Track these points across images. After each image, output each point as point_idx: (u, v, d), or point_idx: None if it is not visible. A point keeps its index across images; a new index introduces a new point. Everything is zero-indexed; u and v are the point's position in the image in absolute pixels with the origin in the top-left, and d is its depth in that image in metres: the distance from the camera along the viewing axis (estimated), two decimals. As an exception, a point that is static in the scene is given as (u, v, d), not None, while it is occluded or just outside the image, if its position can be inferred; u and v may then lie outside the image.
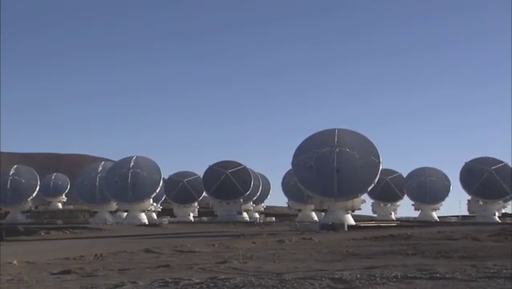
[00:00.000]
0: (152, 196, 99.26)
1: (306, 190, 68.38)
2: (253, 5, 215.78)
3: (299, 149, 69.92)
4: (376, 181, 71.00)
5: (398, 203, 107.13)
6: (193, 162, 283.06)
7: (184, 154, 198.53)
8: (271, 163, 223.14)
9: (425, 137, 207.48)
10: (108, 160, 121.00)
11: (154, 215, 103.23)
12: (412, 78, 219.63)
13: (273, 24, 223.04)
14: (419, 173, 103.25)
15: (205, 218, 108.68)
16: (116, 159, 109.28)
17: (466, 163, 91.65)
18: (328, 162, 68.83)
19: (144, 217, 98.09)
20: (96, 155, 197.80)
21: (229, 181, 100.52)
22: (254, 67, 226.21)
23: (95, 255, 29.81)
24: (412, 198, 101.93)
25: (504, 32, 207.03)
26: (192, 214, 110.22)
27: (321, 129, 72.91)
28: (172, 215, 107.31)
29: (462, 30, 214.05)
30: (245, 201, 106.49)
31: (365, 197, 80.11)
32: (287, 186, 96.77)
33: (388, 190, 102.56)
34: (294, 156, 69.68)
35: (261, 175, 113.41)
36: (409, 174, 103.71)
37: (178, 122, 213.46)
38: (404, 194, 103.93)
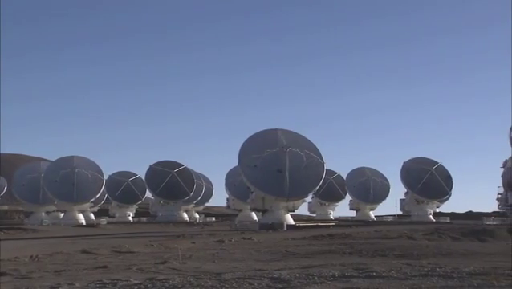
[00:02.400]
0: (97, 196, 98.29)
1: (258, 191, 68.10)
2: (189, 4, 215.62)
3: (244, 149, 69.61)
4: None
5: (340, 202, 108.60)
6: (128, 162, 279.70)
7: (118, 153, 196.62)
8: (208, 163, 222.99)
9: (358, 137, 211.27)
10: (45, 159, 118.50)
11: (92, 215, 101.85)
12: (345, 79, 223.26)
13: (213, 23, 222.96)
14: (359, 173, 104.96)
15: (144, 219, 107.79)
16: (52, 158, 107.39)
17: (405, 163, 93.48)
18: (278, 162, 69.22)
19: (81, 218, 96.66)
20: (31, 154, 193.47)
21: (174, 181, 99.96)
22: (191, 66, 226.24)
23: (31, 257, 29.14)
24: (355, 198, 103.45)
25: (434, 33, 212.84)
26: (131, 215, 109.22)
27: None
28: (109, 215, 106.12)
29: (398, 31, 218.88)
30: (190, 202, 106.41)
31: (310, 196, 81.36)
32: (231, 186, 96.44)
33: (332, 190, 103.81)
34: (240, 156, 69.32)
35: (201, 175, 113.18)
36: (349, 174, 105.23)
37: (112, 122, 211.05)
38: (346, 194, 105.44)
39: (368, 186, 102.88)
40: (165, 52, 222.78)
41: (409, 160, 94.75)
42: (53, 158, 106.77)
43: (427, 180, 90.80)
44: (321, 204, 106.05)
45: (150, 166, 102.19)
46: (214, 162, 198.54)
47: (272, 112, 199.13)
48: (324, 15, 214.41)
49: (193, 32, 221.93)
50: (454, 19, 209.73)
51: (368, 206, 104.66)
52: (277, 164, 69.35)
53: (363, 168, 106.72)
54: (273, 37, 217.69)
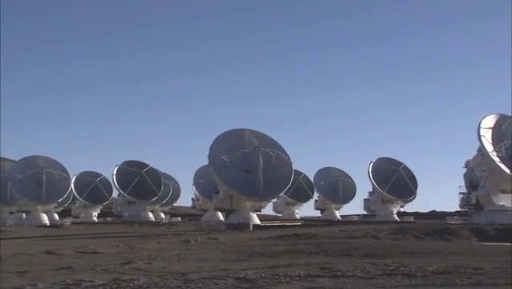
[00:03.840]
0: (64, 196, 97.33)
1: (232, 191, 67.86)
2: (152, 4, 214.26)
3: (214, 149, 69.21)
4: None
5: (308, 202, 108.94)
6: (90, 162, 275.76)
7: (79, 154, 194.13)
8: (171, 163, 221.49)
9: (317, 138, 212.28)
10: (7, 159, 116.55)
11: (56, 216, 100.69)
12: (308, 78, 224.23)
13: (178, 23, 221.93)
14: (326, 173, 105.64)
15: (109, 219, 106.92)
16: (14, 158, 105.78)
17: (374, 163, 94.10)
18: (248, 162, 69.27)
19: (45, 218, 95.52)
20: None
21: (143, 182, 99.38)
22: (156, 66, 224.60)
23: (-7, 258, 28.69)
24: (324, 197, 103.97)
25: (398, 34, 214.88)
26: (95, 215, 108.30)
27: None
28: (72, 216, 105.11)
29: (363, 31, 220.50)
30: (159, 202, 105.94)
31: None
32: (200, 186, 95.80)
33: (300, 190, 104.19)
34: (210, 156, 68.94)
35: (167, 175, 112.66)
36: (317, 174, 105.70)
37: (73, 122, 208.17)
38: (314, 193, 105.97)
39: (337, 186, 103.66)
40: (128, 52, 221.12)
41: (377, 160, 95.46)
42: (14, 158, 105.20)
43: (394, 180, 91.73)
44: (288, 204, 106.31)
45: (119, 166, 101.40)
46: (177, 162, 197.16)
47: (234, 112, 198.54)
48: (289, 15, 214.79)
49: (157, 32, 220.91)
50: (415, 20, 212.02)
51: (336, 206, 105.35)
52: (246, 165, 69.41)
53: (329, 168, 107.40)
54: (237, 36, 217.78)
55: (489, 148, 64.35)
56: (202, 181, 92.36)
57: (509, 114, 67.98)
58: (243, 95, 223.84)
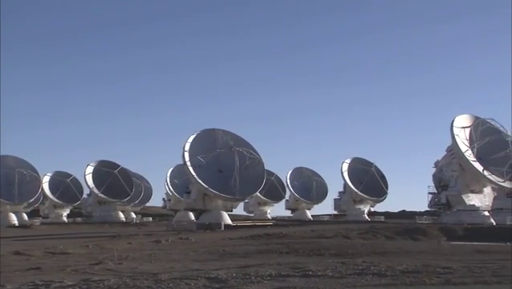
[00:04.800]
0: (36, 196, 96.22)
1: (209, 191, 67.57)
2: (120, 4, 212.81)
3: (188, 149, 68.84)
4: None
5: (280, 202, 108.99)
6: (59, 162, 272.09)
7: (48, 153, 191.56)
8: (141, 163, 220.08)
9: (290, 137, 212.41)
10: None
11: (25, 216, 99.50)
12: (276, 79, 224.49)
13: (149, 22, 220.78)
14: (299, 173, 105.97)
15: (79, 219, 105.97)
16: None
17: (348, 163, 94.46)
18: (221, 162, 69.18)
19: (14, 219, 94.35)
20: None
21: (115, 181, 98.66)
22: (125, 66, 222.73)
23: (-40, 259, 28.28)
24: (298, 197, 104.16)
25: (366, 34, 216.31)
26: (65, 215, 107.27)
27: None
28: (41, 216, 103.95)
29: (332, 31, 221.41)
30: (132, 201, 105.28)
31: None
32: (174, 186, 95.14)
33: (273, 189, 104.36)
34: (183, 156, 68.53)
35: (137, 175, 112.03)
36: (291, 174, 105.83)
37: (41, 121, 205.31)
38: (286, 193, 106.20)
39: (310, 186, 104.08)
40: (100, 51, 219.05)
41: (350, 159, 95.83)
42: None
43: (369, 179, 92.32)
44: (260, 203, 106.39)
45: (94, 167, 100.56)
46: (146, 162, 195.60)
47: (203, 112, 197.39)
48: (260, 15, 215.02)
49: (128, 32, 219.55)
50: (387, 20, 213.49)
51: (307, 206, 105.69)
52: (219, 165, 69.38)
53: (301, 168, 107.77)
54: (207, 36, 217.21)
55: (462, 147, 65.03)
56: (176, 181, 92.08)
57: (479, 115, 68.97)
58: (213, 95, 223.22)
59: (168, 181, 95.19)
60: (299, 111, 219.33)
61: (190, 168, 67.72)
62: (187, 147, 68.80)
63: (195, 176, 67.48)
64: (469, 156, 64.70)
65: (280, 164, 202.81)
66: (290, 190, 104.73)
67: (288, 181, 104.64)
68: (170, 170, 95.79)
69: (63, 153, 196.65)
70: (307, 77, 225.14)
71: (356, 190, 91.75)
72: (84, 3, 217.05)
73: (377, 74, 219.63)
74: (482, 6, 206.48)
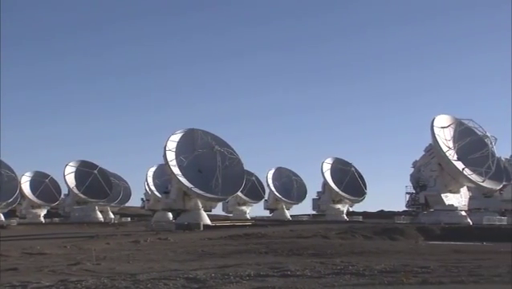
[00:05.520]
0: (14, 195, 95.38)
1: (192, 191, 67.34)
2: (100, 4, 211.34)
3: (170, 149, 68.53)
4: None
5: (260, 202, 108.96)
6: (35, 162, 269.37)
7: (23, 153, 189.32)
8: (118, 163, 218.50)
9: (267, 137, 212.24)
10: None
11: (1, 216, 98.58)
12: (251, 79, 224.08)
13: (127, 22, 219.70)
14: (279, 173, 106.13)
15: (57, 219, 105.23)
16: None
17: (331, 164, 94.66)
18: (202, 162, 69.12)
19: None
20: None
21: (94, 181, 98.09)
22: (102, 65, 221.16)
23: None
24: (279, 197, 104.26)
25: (345, 35, 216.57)
26: (42, 215, 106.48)
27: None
28: (18, 216, 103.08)
29: (312, 31, 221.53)
30: (111, 201, 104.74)
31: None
32: (157, 186, 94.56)
33: (254, 189, 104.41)
34: (165, 156, 68.21)
35: (116, 175, 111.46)
36: (269, 174, 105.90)
37: (15, 121, 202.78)
38: (266, 193, 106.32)
39: (290, 186, 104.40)
40: (75, 51, 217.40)
41: (330, 159, 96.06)
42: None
43: (350, 180, 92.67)
44: (239, 203, 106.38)
45: (71, 166, 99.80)
46: (124, 162, 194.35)
47: (180, 112, 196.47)
48: (236, 14, 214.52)
49: (108, 31, 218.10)
50: (361, 21, 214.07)
51: (286, 206, 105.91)
52: (199, 165, 69.38)
53: (280, 168, 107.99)
54: (183, 36, 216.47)
55: (443, 147, 65.53)
56: (157, 181, 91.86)
57: (458, 115, 69.63)
58: (191, 95, 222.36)
59: (150, 181, 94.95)
60: (277, 112, 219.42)
61: (174, 168, 67.58)
62: (169, 146, 68.65)
63: (179, 176, 67.41)
64: (450, 155, 65.30)
65: (257, 165, 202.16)
66: (271, 190, 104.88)
67: (270, 180, 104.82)
68: (150, 170, 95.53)
69: (39, 153, 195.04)
70: (286, 77, 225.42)
71: (338, 190, 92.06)
72: (56, 3, 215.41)
73: (356, 74, 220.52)
74: (461, 7, 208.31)
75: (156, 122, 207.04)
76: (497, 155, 66.30)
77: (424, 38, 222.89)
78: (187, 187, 67.10)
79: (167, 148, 68.32)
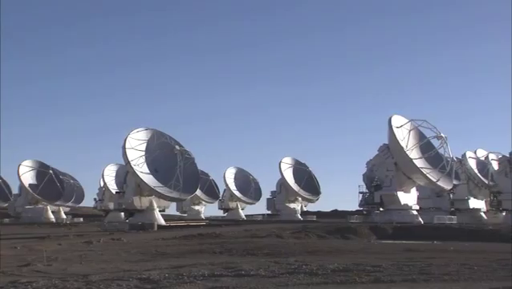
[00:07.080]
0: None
1: (154, 191, 66.83)
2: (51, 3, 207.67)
3: (127, 148, 67.97)
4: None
5: (214, 202, 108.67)
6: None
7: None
8: (68, 163, 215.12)
9: (219, 137, 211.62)
10: None
11: None
12: (208, 79, 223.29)
13: (81, 22, 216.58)
14: (236, 173, 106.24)
15: (6, 220, 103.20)
16: None
17: (287, 163, 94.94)
18: (158, 162, 68.78)
19: None
20: None
21: (48, 181, 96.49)
22: (52, 66, 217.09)
23: None
24: (236, 197, 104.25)
25: (300, 34, 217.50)
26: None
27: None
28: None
29: (265, 30, 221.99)
30: (66, 201, 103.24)
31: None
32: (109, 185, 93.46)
33: (211, 189, 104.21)
34: (124, 156, 67.57)
35: (68, 175, 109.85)
36: (227, 174, 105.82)
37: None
38: (223, 192, 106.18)
39: (247, 186, 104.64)
40: (30, 50, 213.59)
41: (287, 159, 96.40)
42: None
43: (307, 179, 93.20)
44: (194, 203, 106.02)
45: (26, 166, 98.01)
46: (75, 162, 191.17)
47: (131, 112, 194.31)
48: (183, 16, 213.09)
49: (63, 30, 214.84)
50: (315, 20, 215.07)
51: (241, 206, 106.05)
52: (155, 164, 69.03)
53: (237, 167, 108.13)
54: (136, 36, 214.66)
55: (403, 146, 66.42)
56: (114, 180, 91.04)
57: (410, 116, 70.77)
58: (144, 95, 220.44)
59: (107, 180, 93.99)
60: (229, 112, 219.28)
61: (134, 167, 67.14)
62: (127, 145, 68.18)
63: (140, 175, 67.04)
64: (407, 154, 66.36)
65: (209, 165, 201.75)
66: (229, 189, 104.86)
67: (228, 180, 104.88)
68: (107, 168, 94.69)
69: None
70: (239, 77, 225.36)
71: (299, 188, 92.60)
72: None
73: (311, 74, 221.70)
74: (415, 7, 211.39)
75: (108, 122, 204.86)
76: (451, 155, 67.62)
77: (373, 39, 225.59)
78: (150, 187, 66.83)
79: (126, 147, 67.88)
